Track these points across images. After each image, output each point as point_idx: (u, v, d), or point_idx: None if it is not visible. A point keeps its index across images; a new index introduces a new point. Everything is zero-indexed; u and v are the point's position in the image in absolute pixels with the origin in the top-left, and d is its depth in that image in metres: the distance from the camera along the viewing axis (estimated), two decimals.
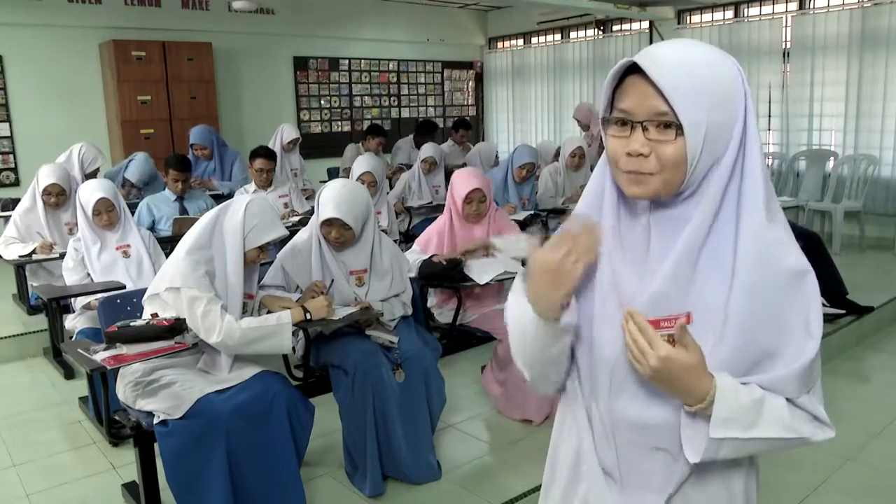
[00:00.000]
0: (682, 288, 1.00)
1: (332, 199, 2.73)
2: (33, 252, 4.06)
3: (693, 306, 1.00)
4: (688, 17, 7.92)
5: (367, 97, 9.08)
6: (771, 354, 1.00)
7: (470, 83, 10.21)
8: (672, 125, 0.95)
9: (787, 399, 1.01)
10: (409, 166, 5.90)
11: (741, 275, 0.97)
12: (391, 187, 5.75)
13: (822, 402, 1.04)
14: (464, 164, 6.88)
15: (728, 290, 0.98)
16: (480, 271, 3.14)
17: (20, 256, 4.07)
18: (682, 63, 0.95)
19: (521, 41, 9.87)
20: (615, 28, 8.73)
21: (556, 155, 6.38)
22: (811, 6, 6.89)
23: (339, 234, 2.75)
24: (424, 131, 7.16)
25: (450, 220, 3.39)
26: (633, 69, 0.98)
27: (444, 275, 3.11)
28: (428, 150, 5.69)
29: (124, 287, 3.26)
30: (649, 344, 0.96)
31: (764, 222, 0.98)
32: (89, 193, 3.44)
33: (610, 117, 1.02)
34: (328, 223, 2.74)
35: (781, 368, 0.99)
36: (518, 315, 1.09)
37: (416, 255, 3.31)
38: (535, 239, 1.04)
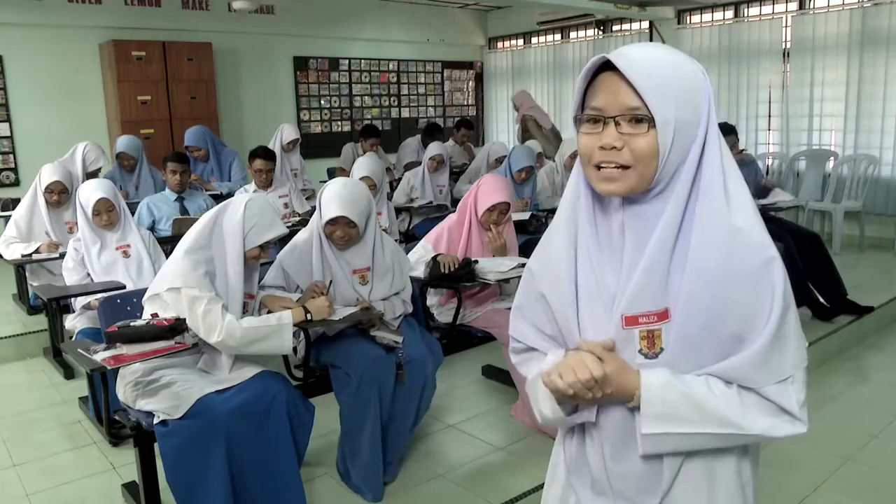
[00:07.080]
0: (658, 283, 1.01)
1: (335, 198, 2.72)
2: (35, 251, 4.06)
3: (670, 301, 1.02)
4: (688, 17, 7.91)
5: (367, 97, 9.07)
6: (737, 344, 1.00)
7: (470, 83, 10.20)
8: (644, 119, 0.98)
9: (750, 389, 1.00)
10: (419, 163, 5.90)
11: (691, 260, 0.99)
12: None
13: (801, 392, 1.02)
14: (464, 165, 6.88)
15: None
16: (491, 270, 3.13)
17: (23, 256, 4.07)
18: (653, 62, 0.99)
19: (521, 41, 9.87)
20: (615, 28, 8.72)
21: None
22: (811, 6, 6.89)
23: (344, 233, 2.74)
24: (429, 133, 7.18)
25: (468, 225, 3.36)
26: (602, 69, 1.01)
27: (453, 276, 3.10)
28: (435, 148, 5.70)
29: (124, 287, 3.26)
30: (597, 384, 1.01)
31: (721, 210, 0.99)
32: (89, 193, 3.43)
33: (582, 116, 1.04)
34: (332, 222, 2.73)
35: (738, 357, 1.00)
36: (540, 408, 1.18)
37: (423, 251, 3.29)
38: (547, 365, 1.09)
